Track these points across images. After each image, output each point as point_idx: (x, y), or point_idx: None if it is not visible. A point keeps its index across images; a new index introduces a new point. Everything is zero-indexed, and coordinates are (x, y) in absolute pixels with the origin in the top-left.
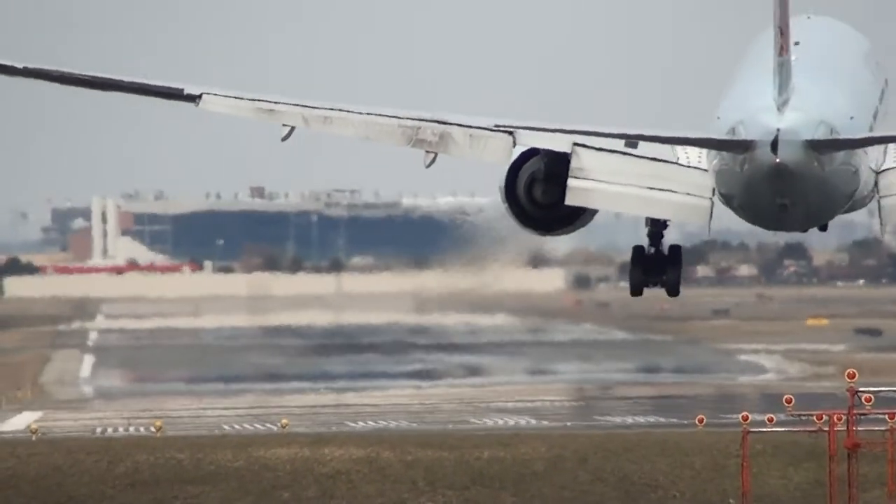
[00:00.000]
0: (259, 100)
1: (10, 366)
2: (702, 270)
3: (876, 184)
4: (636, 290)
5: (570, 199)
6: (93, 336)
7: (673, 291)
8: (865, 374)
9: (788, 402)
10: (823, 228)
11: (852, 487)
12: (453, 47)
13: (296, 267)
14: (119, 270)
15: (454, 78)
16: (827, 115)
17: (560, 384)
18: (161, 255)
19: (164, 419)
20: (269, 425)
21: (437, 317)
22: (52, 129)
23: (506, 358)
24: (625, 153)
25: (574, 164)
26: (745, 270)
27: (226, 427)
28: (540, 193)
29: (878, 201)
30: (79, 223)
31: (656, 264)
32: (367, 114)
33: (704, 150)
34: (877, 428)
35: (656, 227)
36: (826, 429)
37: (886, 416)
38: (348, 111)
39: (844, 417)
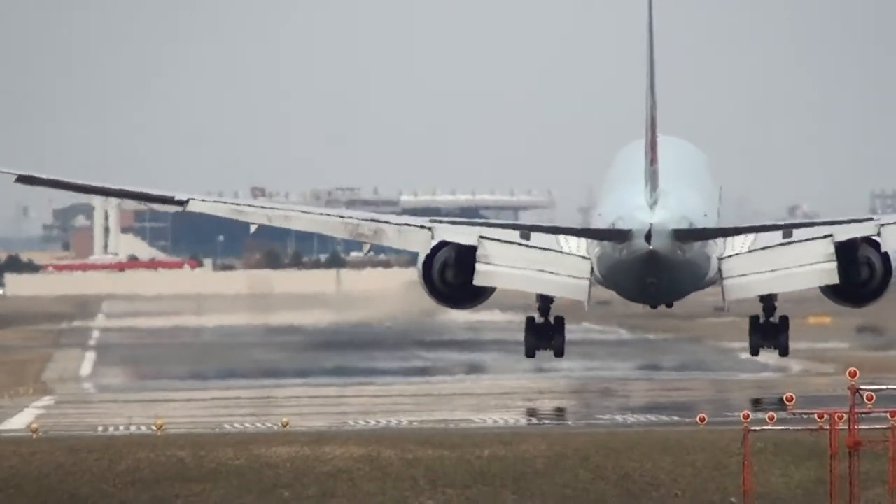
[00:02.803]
0: (233, 203)
1: (11, 364)
2: None
3: (720, 268)
4: (530, 353)
5: (478, 280)
6: (94, 334)
7: (559, 353)
8: (867, 372)
9: (789, 400)
10: (669, 305)
11: (853, 485)
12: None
13: (296, 263)
14: (120, 267)
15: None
16: (687, 213)
17: (561, 382)
18: (162, 252)
19: (165, 417)
20: (269, 423)
21: (437, 313)
22: (54, 126)
23: (506, 355)
24: (520, 244)
25: (480, 252)
26: None
27: (226, 425)
28: (451, 276)
29: (722, 282)
30: (80, 220)
31: (545, 331)
32: (318, 213)
33: (584, 240)
34: (878, 426)
35: (545, 302)
36: (827, 427)
37: (888, 414)
38: (303, 211)
39: (846, 416)
